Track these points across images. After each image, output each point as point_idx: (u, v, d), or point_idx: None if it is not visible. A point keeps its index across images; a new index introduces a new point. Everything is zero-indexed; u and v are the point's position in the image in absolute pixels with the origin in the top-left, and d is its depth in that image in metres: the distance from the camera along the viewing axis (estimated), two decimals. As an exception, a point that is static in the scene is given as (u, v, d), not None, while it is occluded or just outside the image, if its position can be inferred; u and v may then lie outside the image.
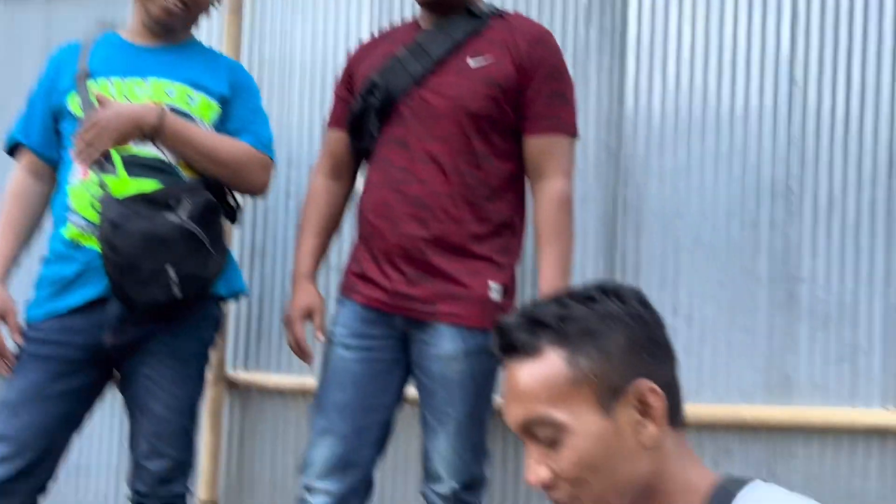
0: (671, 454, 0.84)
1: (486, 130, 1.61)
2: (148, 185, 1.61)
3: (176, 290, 1.55)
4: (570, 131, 1.66)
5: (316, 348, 1.73)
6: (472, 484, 1.61)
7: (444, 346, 1.59)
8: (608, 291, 0.87)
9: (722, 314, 2.03)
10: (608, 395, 0.82)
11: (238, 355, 2.24)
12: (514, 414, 0.85)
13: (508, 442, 2.02)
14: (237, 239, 2.24)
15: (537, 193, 1.65)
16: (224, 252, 1.70)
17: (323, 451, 1.62)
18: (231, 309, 2.22)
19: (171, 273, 1.55)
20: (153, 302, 1.56)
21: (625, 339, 0.84)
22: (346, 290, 1.69)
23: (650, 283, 2.02)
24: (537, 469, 0.84)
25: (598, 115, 2.09)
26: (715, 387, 2.03)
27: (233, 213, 1.78)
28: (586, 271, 2.03)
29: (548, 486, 0.84)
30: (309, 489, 1.63)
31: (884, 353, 1.98)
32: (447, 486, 1.60)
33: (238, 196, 1.78)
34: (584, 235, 2.08)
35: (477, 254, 1.61)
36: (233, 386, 2.21)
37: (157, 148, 1.63)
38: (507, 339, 0.86)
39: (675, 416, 0.85)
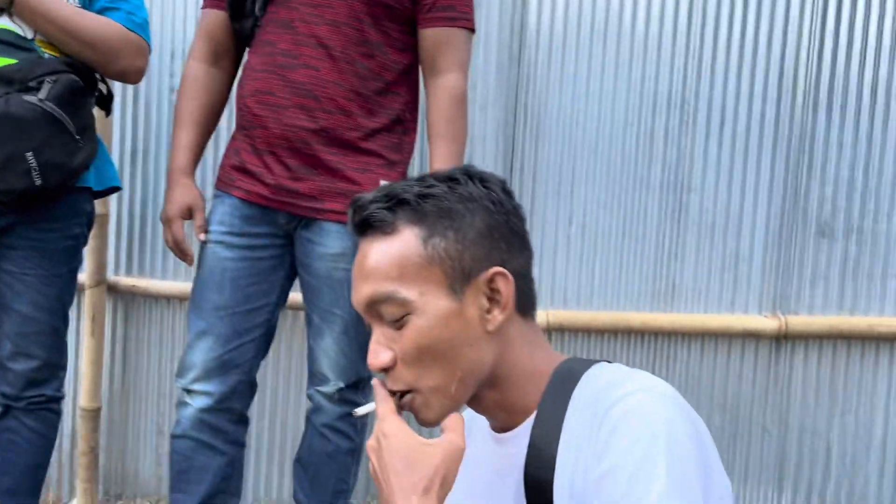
0: (517, 341, 0.82)
1: (381, 18, 1.53)
2: (1, 62, 1.46)
3: (36, 179, 1.43)
4: (467, 24, 1.59)
5: (196, 249, 1.65)
6: (358, 383, 1.59)
7: (331, 244, 1.54)
8: (473, 175, 0.84)
9: (615, 223, 2.06)
10: (459, 278, 0.80)
11: (120, 260, 2.12)
12: (361, 292, 0.81)
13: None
14: (117, 137, 2.10)
15: (431, 88, 1.59)
16: (94, 142, 1.57)
17: (202, 354, 1.56)
18: (112, 211, 2.09)
19: (31, 159, 1.42)
20: (9, 190, 1.43)
21: (483, 224, 0.81)
22: (222, 185, 1.60)
23: (546, 191, 2.02)
24: (379, 351, 0.80)
25: (500, 16, 2.03)
26: (605, 294, 2.08)
27: (106, 102, 1.64)
28: (483, 176, 2.00)
29: (387, 370, 0.81)
30: (189, 392, 1.58)
31: (763, 262, 2.07)
32: (333, 386, 1.58)
33: (110, 83, 1.64)
34: (482, 140, 2.05)
35: (367, 149, 1.55)
36: (114, 290, 2.11)
37: (13, 21, 1.47)
38: (363, 215, 0.82)
39: (525, 306, 0.84)
